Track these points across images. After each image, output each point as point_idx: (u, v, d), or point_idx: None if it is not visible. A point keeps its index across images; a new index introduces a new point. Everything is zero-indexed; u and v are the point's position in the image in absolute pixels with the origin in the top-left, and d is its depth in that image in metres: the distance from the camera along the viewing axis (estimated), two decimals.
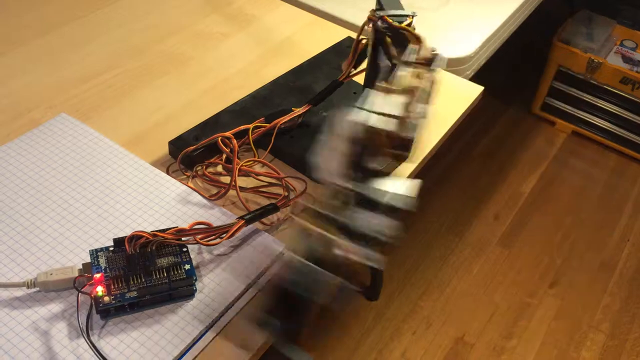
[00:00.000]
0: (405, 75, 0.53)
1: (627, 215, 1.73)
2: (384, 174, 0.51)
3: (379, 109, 0.51)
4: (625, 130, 1.84)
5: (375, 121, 0.50)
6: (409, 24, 0.59)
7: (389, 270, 1.50)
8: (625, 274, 1.58)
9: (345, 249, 0.44)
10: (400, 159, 0.54)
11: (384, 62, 0.60)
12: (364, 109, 0.51)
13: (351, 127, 0.51)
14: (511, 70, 2.13)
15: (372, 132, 0.50)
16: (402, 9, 0.61)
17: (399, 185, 0.50)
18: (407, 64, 0.53)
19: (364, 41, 0.65)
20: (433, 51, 0.54)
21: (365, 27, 0.63)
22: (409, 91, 0.52)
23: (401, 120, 0.50)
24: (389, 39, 0.58)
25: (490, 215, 1.68)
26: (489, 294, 1.49)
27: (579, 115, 1.91)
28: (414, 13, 0.60)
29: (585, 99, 1.86)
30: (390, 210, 0.48)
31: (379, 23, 0.59)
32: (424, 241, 1.60)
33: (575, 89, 1.86)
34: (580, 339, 1.43)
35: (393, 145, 0.52)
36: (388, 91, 0.52)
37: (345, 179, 0.49)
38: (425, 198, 1.70)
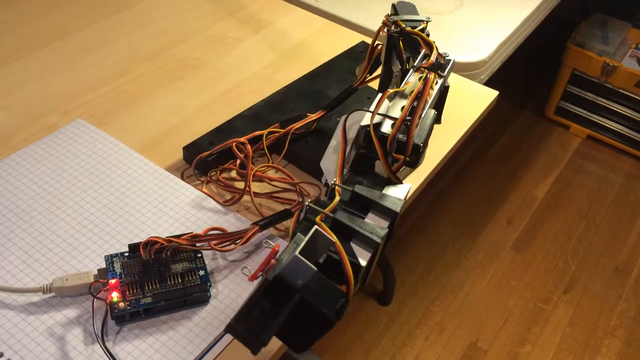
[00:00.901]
0: (415, 80, 0.53)
1: None
2: (388, 180, 0.50)
3: (388, 113, 0.51)
4: (637, 132, 1.82)
5: (384, 126, 0.50)
6: (422, 29, 0.58)
7: (401, 275, 1.49)
8: None
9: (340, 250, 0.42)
10: (410, 164, 0.54)
11: (397, 67, 0.59)
12: (377, 113, 0.50)
13: (360, 131, 0.51)
14: (525, 74, 2.11)
15: (377, 136, 0.50)
16: (417, 14, 0.60)
17: (393, 189, 0.49)
18: (418, 69, 0.53)
19: (379, 47, 0.65)
20: (445, 56, 0.54)
21: (381, 33, 0.62)
22: (419, 96, 0.52)
23: (410, 125, 0.50)
24: (401, 44, 0.58)
25: (503, 220, 1.67)
26: (502, 299, 1.48)
27: (593, 119, 1.89)
28: (428, 19, 0.60)
29: (600, 102, 1.85)
30: (383, 211, 0.48)
31: (393, 28, 0.59)
32: (437, 245, 1.59)
33: (590, 92, 1.85)
34: (596, 345, 1.41)
35: (399, 150, 0.51)
36: (399, 96, 0.52)
37: (346, 181, 0.49)
38: (439, 201, 1.70)
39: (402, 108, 0.51)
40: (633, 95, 1.77)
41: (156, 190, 0.65)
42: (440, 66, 0.56)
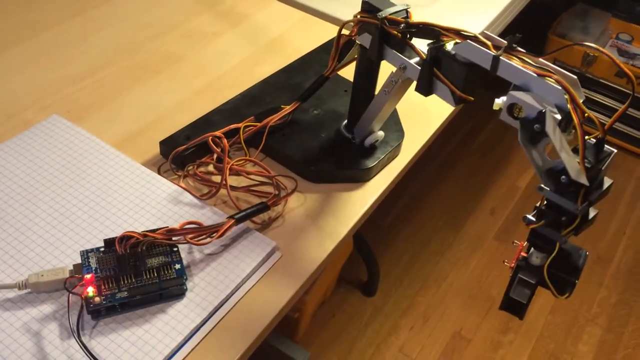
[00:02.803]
0: (518, 62, 0.50)
1: (623, 208, 1.73)
2: None
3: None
4: (621, 123, 1.84)
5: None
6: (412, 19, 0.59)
7: (385, 266, 1.50)
8: (621, 267, 1.58)
9: None
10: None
11: (401, 62, 0.59)
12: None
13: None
14: None
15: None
16: (392, 5, 0.61)
17: None
18: (499, 55, 0.51)
19: (343, 35, 0.65)
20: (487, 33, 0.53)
21: (351, 23, 0.63)
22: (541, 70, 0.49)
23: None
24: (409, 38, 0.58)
25: (486, 210, 1.69)
26: (485, 288, 1.50)
27: None
28: (408, 6, 0.60)
29: None
30: None
31: (387, 24, 0.59)
32: (420, 236, 1.60)
33: None
34: (577, 332, 1.43)
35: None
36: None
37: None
38: (422, 193, 1.71)
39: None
40: (613, 85, 1.79)
41: (132, 185, 0.65)
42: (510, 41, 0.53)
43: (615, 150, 0.50)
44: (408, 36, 0.59)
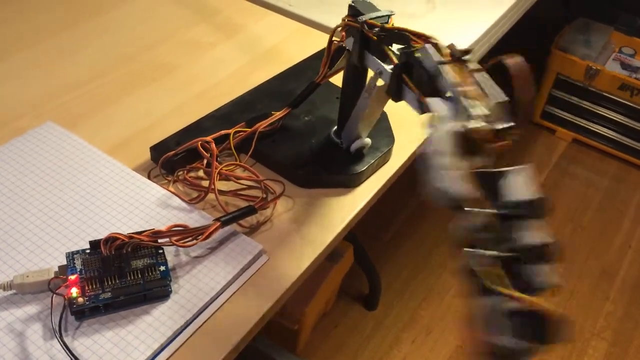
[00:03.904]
0: (450, 72, 0.50)
1: (628, 221, 1.72)
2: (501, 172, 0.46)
3: (465, 112, 0.47)
4: (625, 136, 1.83)
5: (471, 124, 0.46)
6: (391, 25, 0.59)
7: (387, 279, 1.50)
8: (627, 280, 1.56)
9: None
10: (522, 124, 0.50)
11: (377, 67, 0.59)
12: (461, 116, 0.47)
13: (452, 137, 0.47)
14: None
15: (475, 133, 0.46)
16: (377, 10, 0.61)
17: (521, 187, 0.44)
18: (442, 63, 0.51)
19: (335, 42, 0.65)
20: (452, 45, 0.53)
21: (338, 29, 0.63)
22: (467, 83, 0.49)
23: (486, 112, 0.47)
24: (389, 44, 0.58)
25: None
26: None
27: (579, 122, 1.90)
28: (392, 12, 0.60)
29: (584, 106, 1.86)
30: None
31: (366, 27, 0.59)
32: (422, 249, 1.60)
33: (574, 96, 1.86)
34: (583, 347, 1.41)
35: (496, 137, 0.48)
36: (462, 92, 0.49)
37: (474, 189, 0.44)
38: (423, 206, 1.70)
39: (471, 101, 0.48)
40: (617, 98, 1.78)
41: (122, 189, 0.65)
42: (461, 52, 0.54)
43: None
44: (388, 41, 0.59)
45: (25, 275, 0.54)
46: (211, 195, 0.65)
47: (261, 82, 0.81)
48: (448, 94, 0.50)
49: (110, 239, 0.56)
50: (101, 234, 0.60)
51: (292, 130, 0.72)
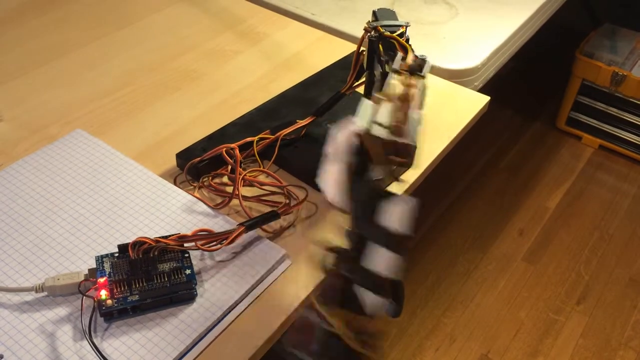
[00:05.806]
0: (395, 83, 0.54)
1: None
2: (383, 186, 0.49)
3: (373, 118, 0.50)
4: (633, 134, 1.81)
5: (372, 130, 0.49)
6: (401, 34, 0.60)
7: (411, 286, 1.49)
8: None
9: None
10: (404, 165, 0.53)
11: (378, 71, 0.61)
12: (368, 119, 0.49)
13: (348, 138, 0.51)
14: (535, 85, 2.11)
15: (369, 141, 0.50)
16: (396, 19, 0.62)
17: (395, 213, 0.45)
18: (396, 71, 0.54)
19: (364, 53, 0.67)
20: (421, 57, 0.55)
21: (365, 39, 0.64)
22: (401, 98, 0.53)
23: (396, 127, 0.50)
24: (381, 48, 0.59)
25: (515, 231, 1.67)
26: (514, 310, 1.47)
27: (605, 129, 1.88)
28: (407, 23, 0.61)
29: (611, 112, 1.84)
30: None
31: (372, 33, 0.60)
32: (447, 256, 1.59)
33: (600, 102, 1.84)
34: (610, 356, 1.39)
35: (394, 153, 0.51)
36: (383, 99, 0.52)
37: (348, 196, 0.47)
38: (450, 213, 1.70)
39: (388, 111, 0.51)
40: None
41: (149, 195, 0.67)
42: (419, 68, 0.57)
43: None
44: (385, 46, 0.60)
45: (56, 278, 0.56)
46: (235, 201, 0.66)
47: (283, 89, 0.82)
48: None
49: (138, 243, 0.57)
50: (129, 238, 0.62)
51: (314, 137, 0.73)
